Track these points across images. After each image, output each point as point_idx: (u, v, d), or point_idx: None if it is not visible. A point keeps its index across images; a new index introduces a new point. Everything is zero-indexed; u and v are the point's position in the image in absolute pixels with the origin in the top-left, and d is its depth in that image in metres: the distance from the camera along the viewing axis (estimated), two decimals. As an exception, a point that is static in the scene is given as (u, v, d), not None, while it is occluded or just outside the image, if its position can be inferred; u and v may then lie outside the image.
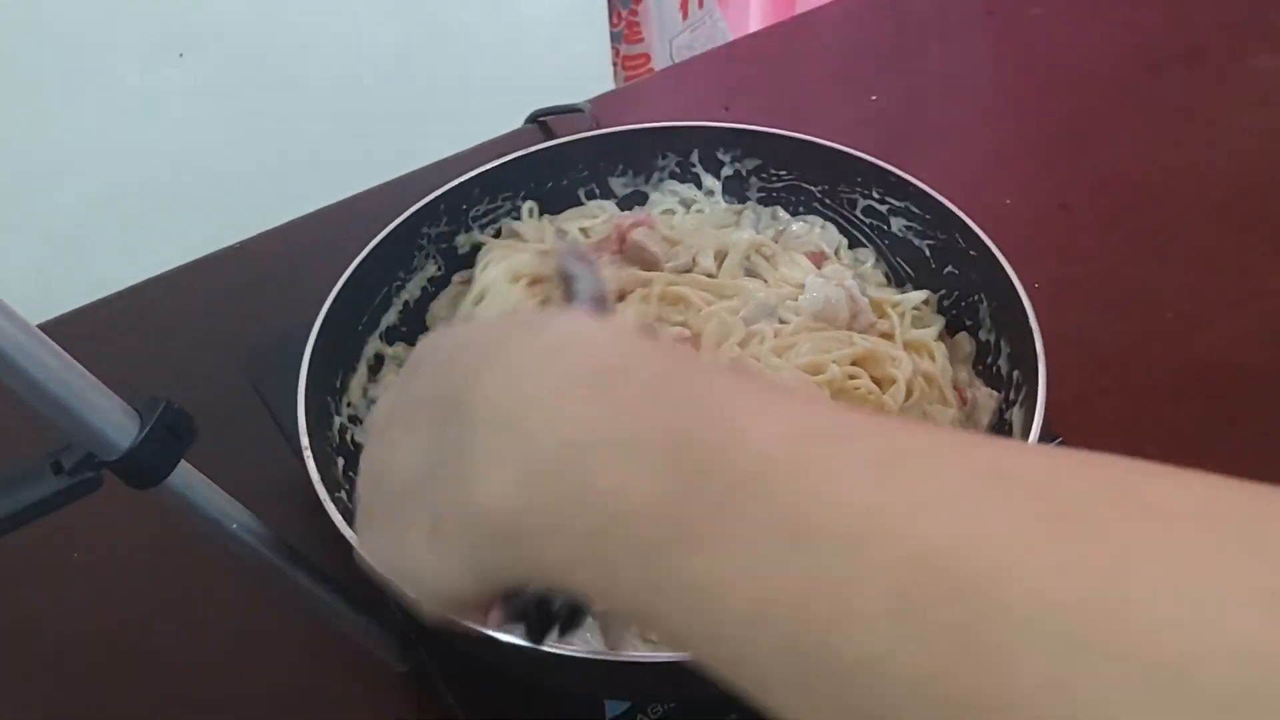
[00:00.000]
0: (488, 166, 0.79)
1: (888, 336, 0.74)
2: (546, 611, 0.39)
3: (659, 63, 2.10)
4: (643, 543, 0.28)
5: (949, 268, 0.76)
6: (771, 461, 0.27)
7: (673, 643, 0.29)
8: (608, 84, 1.89)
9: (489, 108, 1.16)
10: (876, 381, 0.71)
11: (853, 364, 0.71)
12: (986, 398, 0.71)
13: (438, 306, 0.80)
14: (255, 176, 1.48)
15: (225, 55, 1.45)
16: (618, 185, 0.85)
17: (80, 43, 1.34)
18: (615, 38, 2.04)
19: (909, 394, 0.70)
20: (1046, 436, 0.72)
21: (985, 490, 0.24)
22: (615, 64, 2.06)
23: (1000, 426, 0.69)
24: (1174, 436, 0.80)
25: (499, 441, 0.32)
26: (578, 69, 1.86)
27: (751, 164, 0.83)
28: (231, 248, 1.00)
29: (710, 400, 0.29)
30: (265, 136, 1.50)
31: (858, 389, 0.70)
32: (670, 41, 2.14)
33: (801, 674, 0.25)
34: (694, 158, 0.84)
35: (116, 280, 0.98)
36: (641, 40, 2.09)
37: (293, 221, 1.02)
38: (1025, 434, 0.62)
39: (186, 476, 0.52)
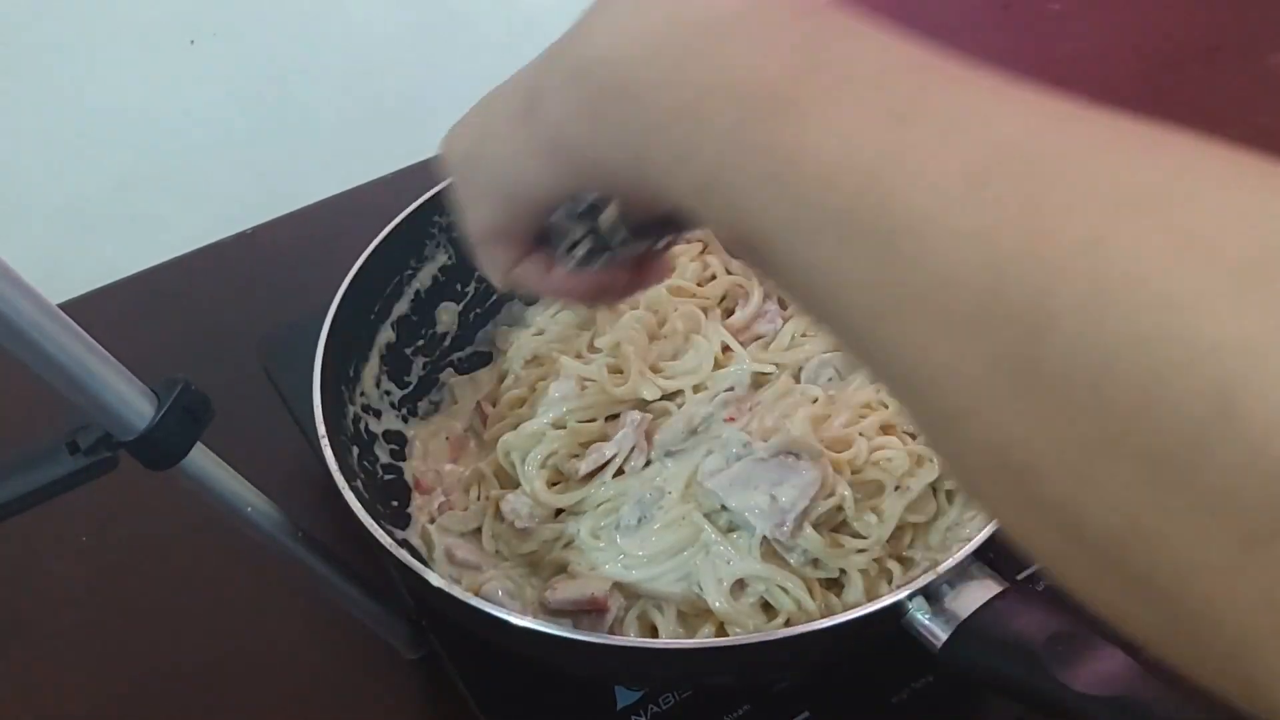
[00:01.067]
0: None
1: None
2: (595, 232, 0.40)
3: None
4: (746, 108, 0.29)
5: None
6: (893, 70, 0.28)
7: (727, 213, 0.31)
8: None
9: None
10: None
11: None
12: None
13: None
14: (266, 164, 1.48)
15: (236, 42, 1.45)
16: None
17: (92, 29, 1.34)
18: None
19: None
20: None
21: (1079, 112, 0.26)
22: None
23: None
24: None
25: (640, 3, 0.34)
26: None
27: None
28: (244, 234, 1.00)
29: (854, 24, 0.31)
30: (276, 124, 1.50)
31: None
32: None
33: (853, 231, 0.27)
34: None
35: (129, 265, 0.98)
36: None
37: (303, 209, 1.02)
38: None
39: (202, 459, 0.52)
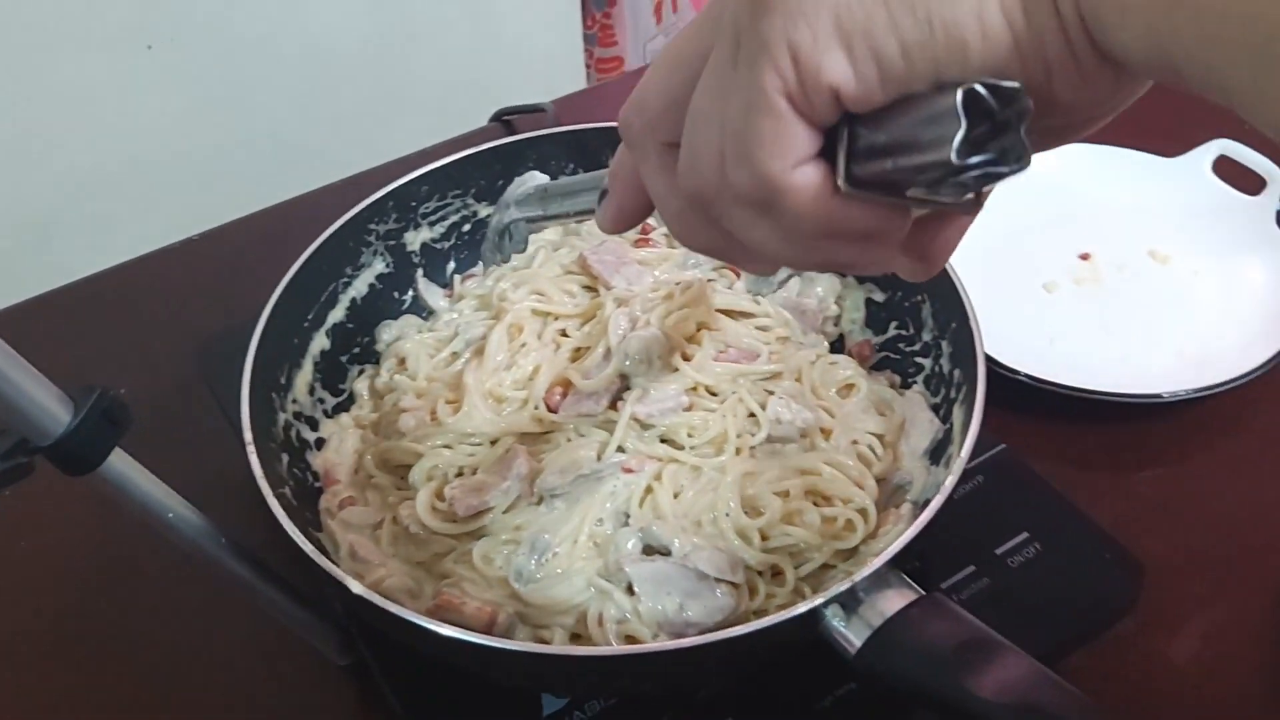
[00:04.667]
0: (436, 165, 0.80)
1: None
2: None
3: (632, 67, 2.11)
4: None
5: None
6: None
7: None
8: (580, 86, 1.89)
9: (459, 106, 1.16)
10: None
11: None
12: (916, 395, 0.73)
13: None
14: (223, 170, 1.49)
15: (195, 48, 1.45)
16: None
17: (48, 34, 1.34)
18: (589, 40, 2.04)
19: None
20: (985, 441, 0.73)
21: None
22: (588, 66, 2.07)
23: (947, 424, 0.70)
24: (1111, 450, 0.81)
25: None
26: (550, 70, 1.86)
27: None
28: (190, 240, 1.00)
29: None
30: (233, 130, 1.50)
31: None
32: (644, 45, 2.15)
33: None
34: (646, 158, 0.84)
35: (78, 269, 0.98)
36: (615, 44, 2.10)
37: (250, 215, 1.02)
38: (964, 431, 0.63)
39: (121, 464, 0.52)
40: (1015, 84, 0.32)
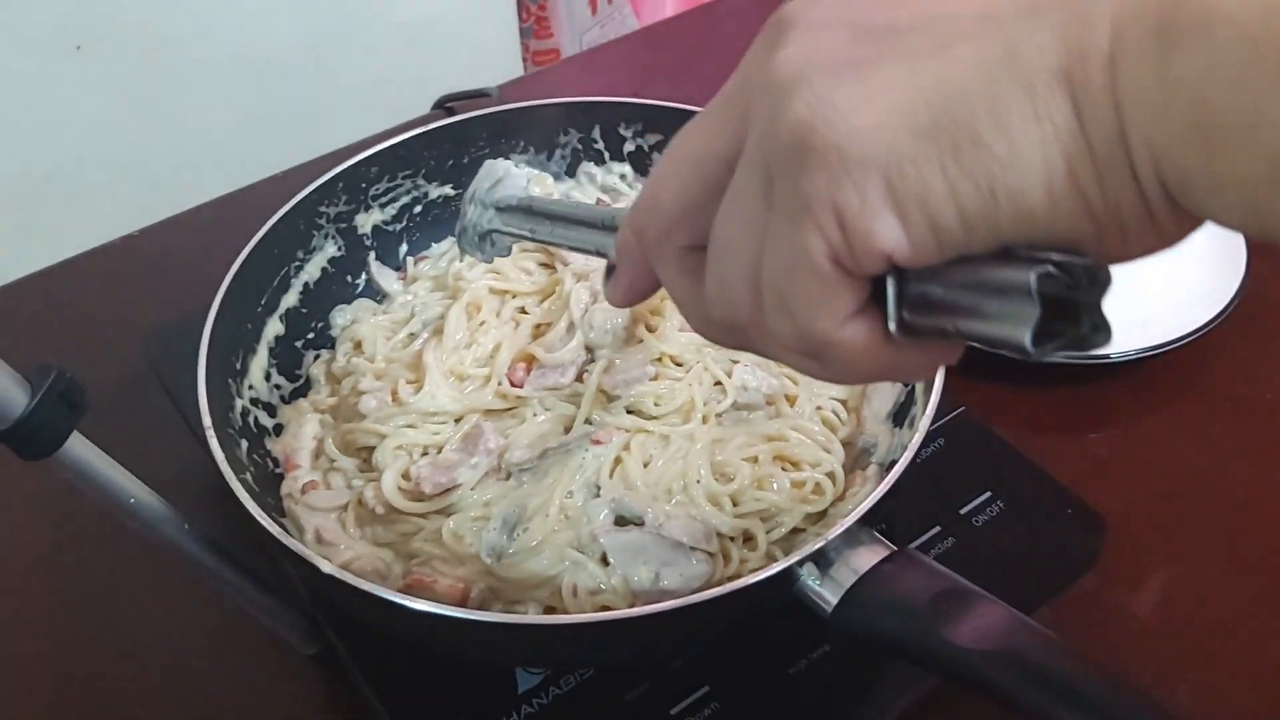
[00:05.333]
0: (385, 145, 0.79)
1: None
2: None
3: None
4: None
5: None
6: None
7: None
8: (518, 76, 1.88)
9: (395, 101, 1.15)
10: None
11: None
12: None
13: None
14: (160, 171, 1.46)
15: (125, 47, 1.42)
16: (521, 163, 0.85)
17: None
18: (525, 33, 2.03)
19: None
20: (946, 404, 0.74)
21: None
22: (525, 59, 2.06)
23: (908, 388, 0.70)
24: (1066, 411, 0.82)
25: None
26: (486, 64, 1.85)
27: (654, 139, 0.84)
28: (129, 236, 0.98)
29: None
30: (165, 128, 1.47)
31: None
32: (580, 37, 2.14)
33: None
34: (596, 134, 0.84)
35: (13, 271, 0.96)
36: (551, 36, 2.09)
37: (194, 209, 1.00)
38: (927, 392, 0.64)
39: (80, 448, 0.51)
40: (1088, 261, 0.30)
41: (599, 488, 0.65)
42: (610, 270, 0.48)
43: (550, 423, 0.68)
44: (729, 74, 0.37)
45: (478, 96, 1.07)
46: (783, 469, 0.67)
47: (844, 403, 0.72)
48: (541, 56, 2.10)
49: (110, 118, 1.43)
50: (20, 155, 1.38)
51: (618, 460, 0.66)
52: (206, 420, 0.61)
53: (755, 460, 0.66)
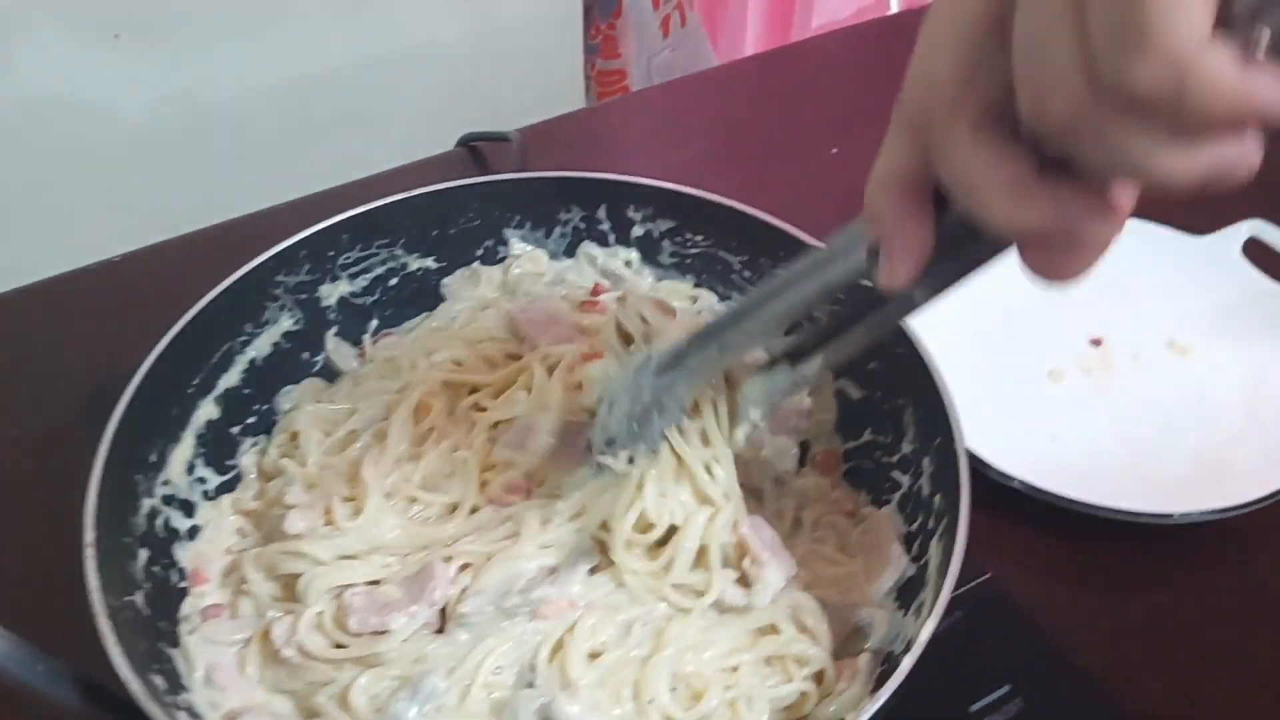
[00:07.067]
0: (357, 211, 0.69)
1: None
2: None
3: (636, 80, 2.01)
4: None
5: (873, 363, 0.67)
6: None
7: None
8: (579, 100, 1.79)
9: (454, 119, 1.08)
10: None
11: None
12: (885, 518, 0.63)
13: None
14: (188, 173, 1.40)
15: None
16: (514, 238, 0.75)
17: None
18: (590, 50, 1.95)
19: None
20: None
21: None
22: (589, 78, 1.97)
23: (920, 562, 0.59)
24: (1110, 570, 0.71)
25: None
26: (549, 82, 1.77)
27: (665, 225, 0.74)
28: (89, 269, 0.89)
29: None
30: (204, 131, 1.41)
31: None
32: (649, 60, 2.05)
33: None
34: (601, 213, 0.74)
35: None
36: (618, 56, 2.00)
37: (172, 239, 0.92)
38: (940, 574, 0.54)
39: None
40: None
41: (534, 670, 0.55)
42: (873, 255, 0.42)
43: (531, 559, 0.57)
44: (779, 130, 0.30)
45: (498, 140, 0.98)
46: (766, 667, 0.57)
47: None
48: (607, 77, 2.01)
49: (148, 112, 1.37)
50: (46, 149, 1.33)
51: (559, 644, 0.55)
52: (89, 535, 0.53)
53: (735, 670, 0.56)
